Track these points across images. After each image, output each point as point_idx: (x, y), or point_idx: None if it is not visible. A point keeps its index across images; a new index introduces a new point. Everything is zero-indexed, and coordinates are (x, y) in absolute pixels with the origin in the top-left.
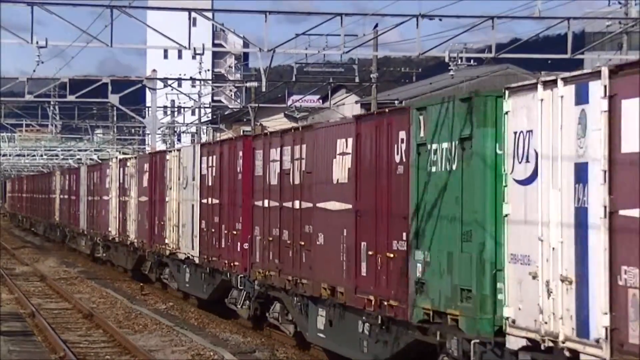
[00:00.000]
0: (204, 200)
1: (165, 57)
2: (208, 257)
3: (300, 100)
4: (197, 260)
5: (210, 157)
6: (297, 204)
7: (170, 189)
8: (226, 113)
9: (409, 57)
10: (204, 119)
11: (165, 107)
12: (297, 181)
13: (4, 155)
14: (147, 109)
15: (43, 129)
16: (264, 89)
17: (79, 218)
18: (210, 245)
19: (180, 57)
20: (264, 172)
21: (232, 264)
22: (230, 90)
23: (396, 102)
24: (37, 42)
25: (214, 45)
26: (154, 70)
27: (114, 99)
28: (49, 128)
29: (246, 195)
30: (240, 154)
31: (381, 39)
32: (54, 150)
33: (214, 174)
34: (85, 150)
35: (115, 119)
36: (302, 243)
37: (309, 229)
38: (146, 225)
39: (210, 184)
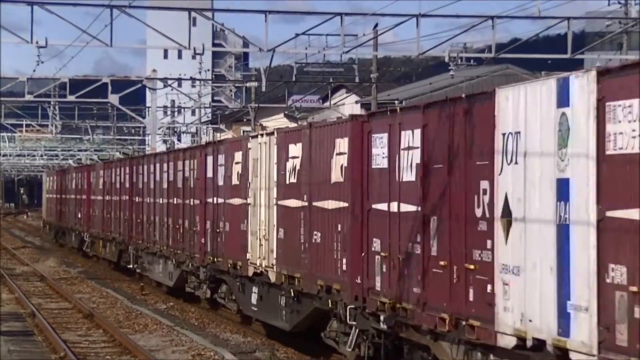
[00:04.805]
0: (284, 202)
1: (165, 57)
2: (291, 276)
3: (300, 100)
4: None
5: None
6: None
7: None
8: (226, 113)
9: (408, 57)
10: (204, 119)
11: (165, 107)
12: None
13: (4, 156)
14: (147, 109)
15: (43, 129)
16: (264, 89)
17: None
18: (294, 261)
19: (180, 57)
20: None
21: (333, 288)
22: (230, 91)
23: (396, 102)
24: (37, 42)
25: (214, 45)
26: (154, 70)
27: (114, 99)
28: (49, 128)
29: (356, 197)
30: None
31: (380, 39)
32: (54, 151)
33: (298, 167)
34: (86, 151)
35: (115, 119)
36: (472, 266)
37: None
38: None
39: (292, 180)
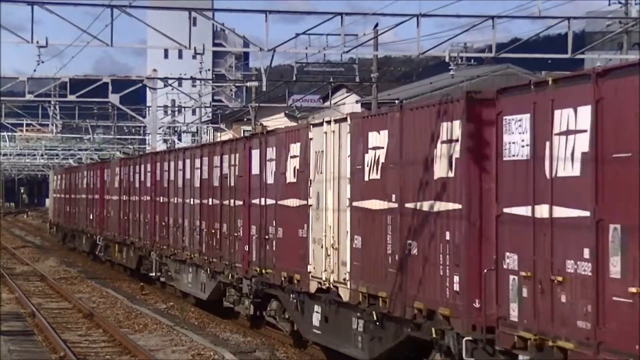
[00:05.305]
0: (361, 204)
1: (166, 56)
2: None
3: (300, 100)
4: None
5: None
6: None
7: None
8: (226, 113)
9: (409, 57)
10: (204, 118)
11: (165, 106)
12: None
13: (4, 155)
14: (147, 108)
15: (44, 129)
16: (264, 89)
17: None
18: (377, 276)
19: (180, 56)
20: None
21: (438, 314)
22: (231, 90)
23: (397, 101)
24: (37, 42)
25: (214, 45)
26: (155, 70)
27: (114, 98)
28: (49, 128)
29: (474, 197)
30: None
31: (381, 39)
32: (55, 150)
33: (382, 160)
34: (86, 150)
35: (115, 118)
36: None
37: None
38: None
39: (373, 176)
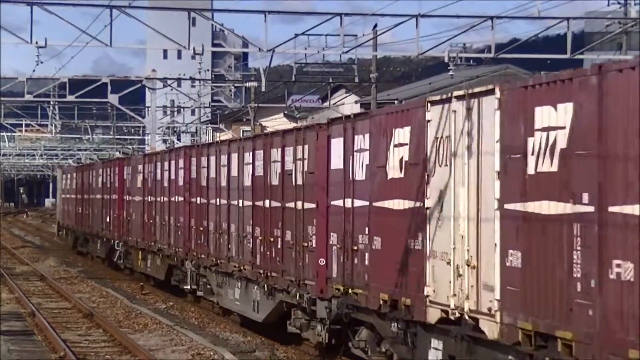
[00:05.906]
0: (520, 206)
1: (165, 57)
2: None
3: (299, 100)
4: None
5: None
6: None
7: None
8: (226, 113)
9: (408, 57)
10: (203, 118)
11: (164, 107)
12: None
13: (4, 155)
14: (146, 108)
15: (43, 129)
16: (263, 89)
17: None
18: (554, 309)
19: (179, 57)
20: None
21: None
22: (230, 90)
23: (396, 101)
24: (36, 42)
25: (213, 45)
26: (154, 70)
27: (113, 98)
28: (48, 128)
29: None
30: None
31: (380, 39)
32: (54, 150)
33: (562, 145)
34: (85, 150)
35: (114, 118)
36: None
37: None
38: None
39: (542, 168)
